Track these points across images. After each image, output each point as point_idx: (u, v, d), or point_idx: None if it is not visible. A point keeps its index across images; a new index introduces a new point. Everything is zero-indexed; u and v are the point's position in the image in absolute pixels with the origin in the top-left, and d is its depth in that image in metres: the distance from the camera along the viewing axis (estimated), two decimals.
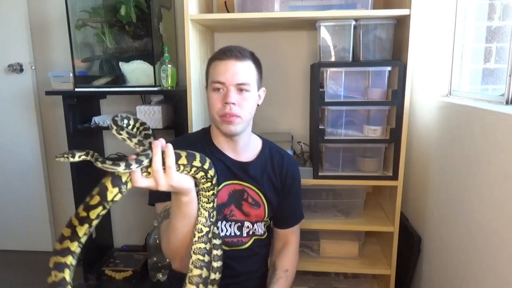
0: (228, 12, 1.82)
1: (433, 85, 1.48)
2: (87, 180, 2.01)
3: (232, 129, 1.00)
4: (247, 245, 1.09)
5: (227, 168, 1.06)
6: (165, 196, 0.93)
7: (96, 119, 1.93)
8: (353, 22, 1.49)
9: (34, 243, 2.36)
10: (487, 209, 1.02)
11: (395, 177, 1.51)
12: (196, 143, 1.07)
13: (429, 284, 1.45)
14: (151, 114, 1.81)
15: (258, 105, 1.07)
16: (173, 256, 0.94)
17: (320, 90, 1.50)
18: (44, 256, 2.29)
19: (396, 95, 1.46)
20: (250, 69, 1.01)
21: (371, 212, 1.73)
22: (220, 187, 1.04)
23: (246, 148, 1.09)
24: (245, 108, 1.00)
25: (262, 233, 1.12)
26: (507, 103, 1.07)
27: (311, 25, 1.59)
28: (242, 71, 0.99)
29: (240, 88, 0.99)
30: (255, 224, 1.10)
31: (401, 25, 1.48)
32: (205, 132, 1.12)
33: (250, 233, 1.09)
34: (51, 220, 2.36)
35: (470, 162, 1.12)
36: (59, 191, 2.35)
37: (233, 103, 0.97)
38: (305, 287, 1.73)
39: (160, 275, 1.98)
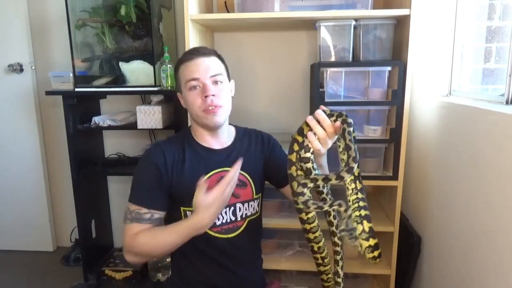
0: (228, 12, 1.82)
1: (433, 85, 1.48)
2: (87, 180, 2.01)
3: (218, 119, 1.04)
4: (242, 228, 1.11)
5: (212, 159, 1.10)
6: (141, 200, 1.03)
7: (96, 119, 1.93)
8: (353, 22, 1.49)
9: (34, 243, 2.36)
10: (487, 209, 1.02)
11: (395, 177, 1.51)
12: (178, 142, 1.11)
13: (429, 284, 1.45)
14: (151, 114, 1.81)
15: (231, 97, 1.12)
16: (141, 255, 1.04)
17: (320, 90, 1.50)
18: (44, 256, 2.32)
19: (396, 95, 1.46)
20: (218, 63, 1.08)
21: (371, 212, 1.71)
22: (207, 176, 1.07)
23: (226, 137, 1.14)
24: (223, 98, 1.06)
25: (254, 212, 1.14)
26: (507, 103, 1.07)
27: (311, 25, 1.59)
28: (212, 64, 1.05)
29: (215, 80, 1.04)
30: (245, 204, 1.12)
31: (401, 25, 1.48)
32: (186, 132, 1.16)
33: (243, 215, 1.12)
34: (51, 220, 2.36)
35: (470, 162, 1.12)
36: (59, 191, 2.35)
37: (213, 95, 1.02)
38: (305, 287, 1.73)
39: (160, 275, 1.98)
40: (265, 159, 1.17)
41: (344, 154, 0.82)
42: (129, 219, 1.02)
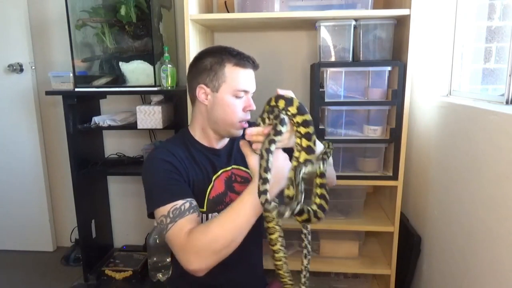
0: (228, 12, 1.82)
1: (433, 85, 1.48)
2: (87, 180, 2.01)
3: (241, 132, 1.04)
4: None
5: (217, 159, 1.09)
6: (172, 195, 0.92)
7: (96, 119, 1.93)
8: (353, 22, 1.49)
9: (34, 243, 2.36)
10: (487, 209, 1.02)
11: (395, 177, 1.51)
12: (181, 144, 1.06)
13: (429, 284, 1.45)
14: (151, 114, 1.81)
15: None
16: (204, 253, 0.86)
17: (320, 90, 1.50)
18: (44, 256, 2.32)
19: (396, 95, 1.46)
20: None
21: (371, 212, 1.73)
22: (214, 178, 1.06)
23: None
24: None
25: None
26: (507, 103, 1.07)
27: (311, 25, 1.59)
28: (254, 81, 1.06)
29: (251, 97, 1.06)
30: None
31: (401, 25, 1.48)
32: (185, 133, 1.11)
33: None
34: (51, 220, 2.36)
35: (470, 162, 1.12)
36: (59, 191, 2.35)
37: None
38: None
39: (160, 275, 1.98)
40: None
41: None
42: (169, 222, 0.88)
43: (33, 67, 2.16)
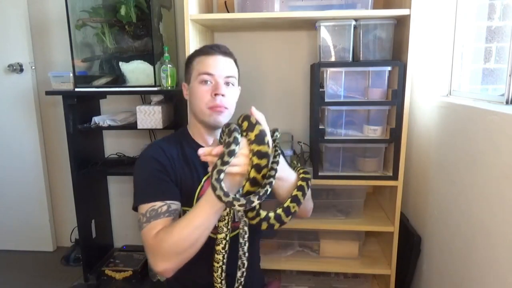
0: (228, 12, 1.82)
1: (433, 85, 1.48)
2: (87, 180, 2.01)
3: (221, 119, 1.02)
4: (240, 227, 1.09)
5: None
6: (153, 195, 0.94)
7: (96, 119, 1.93)
8: (353, 22, 1.49)
9: (34, 243, 2.36)
10: (487, 209, 1.02)
11: (395, 177, 1.51)
12: (176, 142, 1.08)
13: (429, 284, 1.45)
14: (151, 114, 1.81)
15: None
16: (170, 257, 0.86)
17: (320, 90, 1.50)
18: (44, 256, 2.32)
19: (396, 95, 1.46)
20: (234, 66, 1.08)
21: (371, 212, 1.73)
22: (205, 178, 1.05)
23: None
24: (231, 101, 1.05)
25: None
26: (507, 103, 1.07)
27: (311, 25, 1.59)
28: (229, 65, 1.05)
29: (228, 82, 1.04)
30: None
31: (401, 25, 1.48)
32: (183, 131, 1.13)
33: (239, 214, 1.10)
34: (51, 220, 2.36)
35: (470, 162, 1.12)
36: (59, 191, 2.35)
37: (222, 95, 1.01)
38: (305, 287, 1.73)
39: (160, 275, 1.98)
40: None
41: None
42: (145, 221, 0.90)
43: (33, 67, 2.16)
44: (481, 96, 1.23)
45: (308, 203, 1.07)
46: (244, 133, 0.79)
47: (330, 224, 1.61)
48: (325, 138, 1.54)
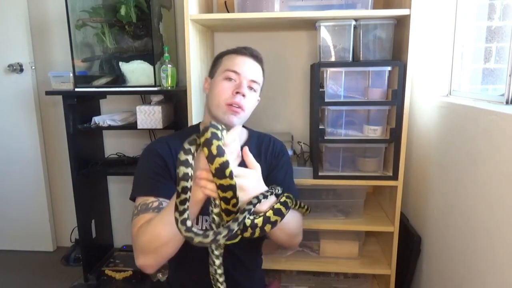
0: (228, 12, 1.82)
1: (433, 85, 1.48)
2: (87, 180, 2.01)
3: (234, 120, 1.01)
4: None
5: None
6: (148, 190, 0.95)
7: (96, 119, 1.93)
8: (353, 22, 1.49)
9: (34, 243, 2.36)
10: (487, 209, 1.02)
11: (395, 177, 1.51)
12: (186, 137, 1.05)
13: (429, 284, 1.45)
14: (151, 114, 1.81)
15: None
16: (146, 253, 0.87)
17: (320, 90, 1.50)
18: (44, 256, 2.31)
19: (396, 95, 1.46)
20: (261, 73, 1.08)
21: (371, 212, 1.73)
22: None
23: None
24: (249, 104, 1.04)
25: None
26: (507, 103, 1.07)
27: (311, 25, 1.59)
28: (256, 70, 1.06)
29: (250, 86, 1.03)
30: None
31: (401, 25, 1.48)
32: (195, 128, 1.15)
33: None
34: (51, 220, 2.36)
35: (470, 162, 1.12)
36: (59, 191, 2.35)
37: (243, 95, 1.00)
38: (305, 287, 1.73)
39: (160, 275, 1.98)
40: (269, 168, 1.14)
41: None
42: (135, 214, 0.92)
43: (33, 67, 2.16)
44: (481, 96, 1.23)
45: (297, 231, 1.06)
46: (200, 147, 0.73)
47: (330, 224, 1.61)
48: (325, 138, 1.54)
